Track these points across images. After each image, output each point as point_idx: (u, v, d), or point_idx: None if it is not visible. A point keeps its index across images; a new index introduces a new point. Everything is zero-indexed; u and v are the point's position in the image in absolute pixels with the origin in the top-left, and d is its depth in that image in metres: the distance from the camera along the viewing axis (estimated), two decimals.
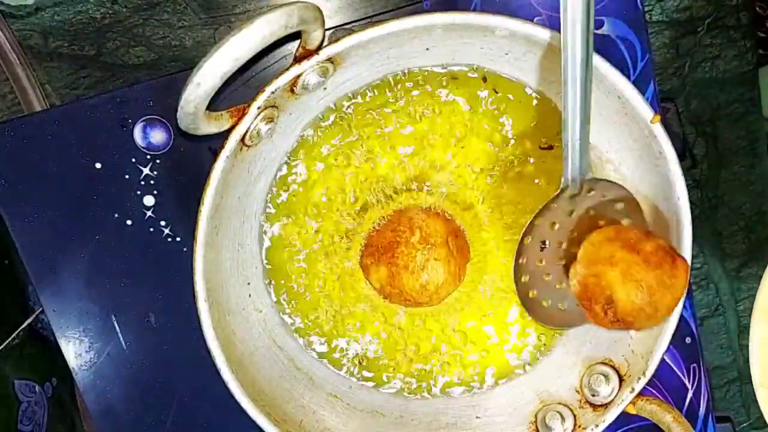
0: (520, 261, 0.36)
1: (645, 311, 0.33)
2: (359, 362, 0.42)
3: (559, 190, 0.35)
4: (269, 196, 0.40)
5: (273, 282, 0.41)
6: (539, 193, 0.40)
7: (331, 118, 0.39)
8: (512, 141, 0.40)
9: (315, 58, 0.33)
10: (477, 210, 0.41)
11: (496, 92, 0.39)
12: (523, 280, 0.36)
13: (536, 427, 0.40)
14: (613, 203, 0.36)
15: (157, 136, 0.40)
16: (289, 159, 0.40)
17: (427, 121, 0.39)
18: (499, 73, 0.38)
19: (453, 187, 0.40)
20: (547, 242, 0.37)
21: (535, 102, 0.39)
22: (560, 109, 0.39)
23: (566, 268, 0.37)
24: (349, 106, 0.39)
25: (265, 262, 0.40)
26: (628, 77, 0.34)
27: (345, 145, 0.40)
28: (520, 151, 0.40)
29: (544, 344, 0.42)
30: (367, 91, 0.39)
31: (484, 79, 0.38)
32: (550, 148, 0.39)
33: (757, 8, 0.48)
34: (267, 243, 0.40)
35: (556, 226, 0.36)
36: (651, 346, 0.37)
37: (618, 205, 0.36)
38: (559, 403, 0.40)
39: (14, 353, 0.46)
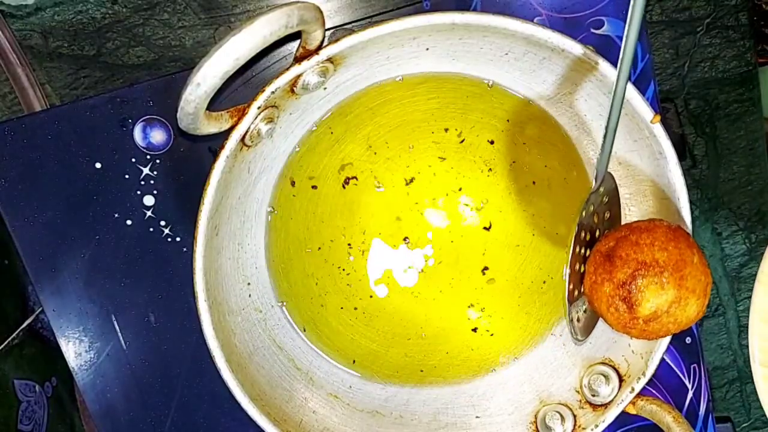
0: (569, 271, 0.34)
1: (686, 318, 0.32)
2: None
3: (594, 188, 0.34)
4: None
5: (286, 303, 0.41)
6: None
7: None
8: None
9: (315, 58, 0.33)
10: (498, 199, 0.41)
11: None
12: (570, 288, 0.34)
13: (536, 427, 0.40)
14: (602, 195, 0.35)
15: (157, 136, 0.40)
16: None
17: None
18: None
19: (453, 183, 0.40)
20: (578, 248, 0.34)
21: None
22: (549, 111, 0.39)
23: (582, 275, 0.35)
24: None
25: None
26: (628, 77, 0.34)
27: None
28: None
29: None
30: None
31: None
32: None
33: (764, 4, 0.48)
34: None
35: (583, 231, 0.35)
36: (651, 346, 0.37)
37: (604, 198, 0.36)
38: (559, 403, 0.40)
39: (14, 353, 0.46)
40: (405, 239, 0.41)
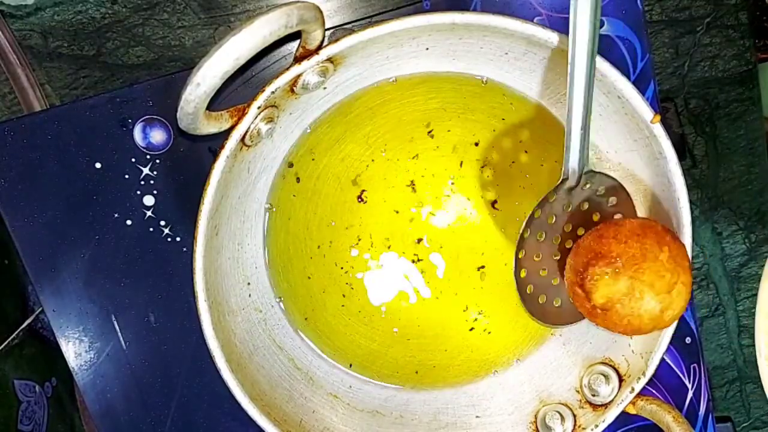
0: (519, 255, 0.36)
1: (646, 312, 0.33)
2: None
3: (558, 182, 0.35)
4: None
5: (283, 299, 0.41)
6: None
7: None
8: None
9: (315, 58, 0.33)
10: (486, 201, 0.41)
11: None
12: (521, 275, 0.36)
13: (536, 427, 0.40)
14: (606, 197, 0.36)
15: (157, 136, 0.40)
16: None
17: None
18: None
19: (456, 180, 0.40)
20: (544, 236, 0.36)
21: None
22: (550, 111, 0.39)
23: (560, 264, 0.37)
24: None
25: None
26: (628, 77, 0.34)
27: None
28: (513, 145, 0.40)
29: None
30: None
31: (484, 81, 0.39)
32: None
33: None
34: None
35: (553, 220, 0.36)
36: (651, 346, 0.37)
37: (611, 199, 0.36)
38: (559, 403, 0.40)
39: (14, 353, 0.46)
40: (406, 240, 0.41)
